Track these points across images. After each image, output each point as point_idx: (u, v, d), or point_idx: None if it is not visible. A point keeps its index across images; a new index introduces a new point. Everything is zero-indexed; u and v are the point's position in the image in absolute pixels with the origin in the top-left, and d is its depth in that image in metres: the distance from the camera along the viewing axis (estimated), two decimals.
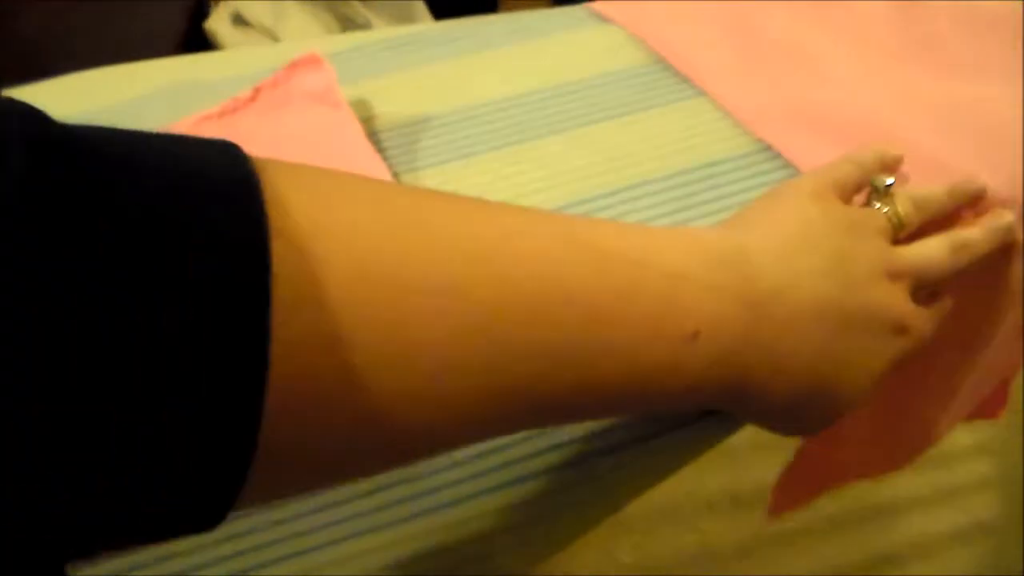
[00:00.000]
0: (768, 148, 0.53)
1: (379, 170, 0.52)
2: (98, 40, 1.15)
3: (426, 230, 0.28)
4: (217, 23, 1.28)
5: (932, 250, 0.42)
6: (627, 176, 0.52)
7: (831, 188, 0.41)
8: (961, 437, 0.49)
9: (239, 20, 1.28)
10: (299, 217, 0.25)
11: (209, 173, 0.24)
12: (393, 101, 0.59)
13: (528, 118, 0.56)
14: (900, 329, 0.38)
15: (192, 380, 0.22)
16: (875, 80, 0.55)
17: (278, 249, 0.23)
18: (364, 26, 1.28)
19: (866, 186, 0.43)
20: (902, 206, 0.42)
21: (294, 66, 0.60)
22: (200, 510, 0.24)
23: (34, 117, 0.22)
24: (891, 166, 0.45)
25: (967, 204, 0.46)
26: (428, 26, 0.67)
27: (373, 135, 0.56)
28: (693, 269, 0.33)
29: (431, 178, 0.53)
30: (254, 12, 1.27)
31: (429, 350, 0.26)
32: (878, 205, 0.42)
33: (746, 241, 0.36)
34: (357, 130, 0.55)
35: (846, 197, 0.42)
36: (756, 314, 0.34)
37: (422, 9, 1.33)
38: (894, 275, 0.39)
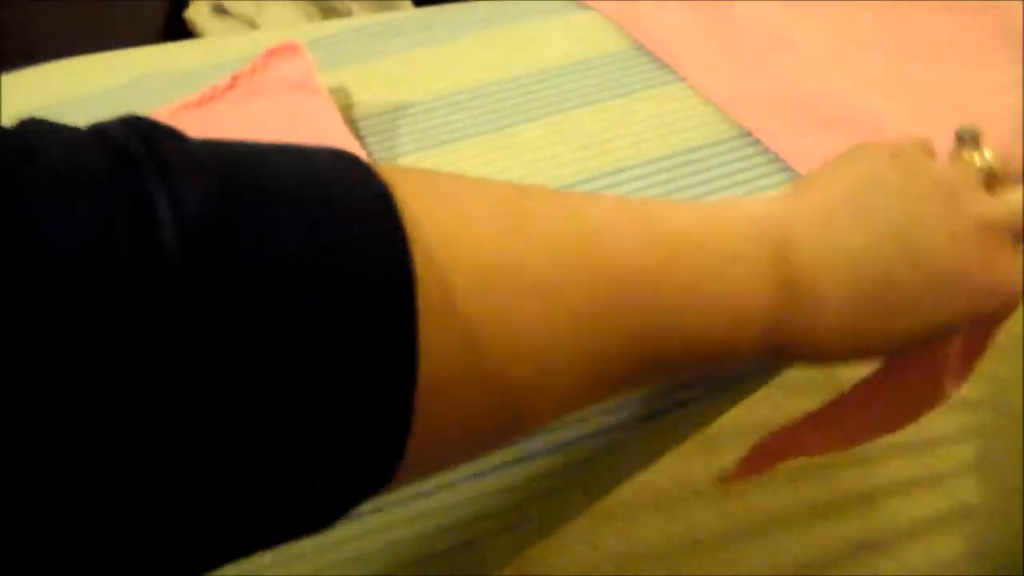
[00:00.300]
0: (748, 134, 0.53)
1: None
2: (78, 29, 1.14)
3: (530, 233, 0.29)
4: (197, 13, 1.27)
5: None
6: (607, 162, 0.52)
7: (921, 148, 0.40)
8: (944, 422, 0.49)
9: (220, 10, 1.27)
10: (428, 227, 0.26)
11: (349, 193, 0.25)
12: (372, 88, 0.59)
13: (507, 105, 0.56)
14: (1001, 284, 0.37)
15: (352, 395, 0.23)
16: (855, 67, 0.55)
17: (416, 261, 0.24)
18: (346, 15, 1.27)
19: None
20: (990, 153, 0.41)
21: (271, 54, 0.59)
22: (370, 475, 0.25)
23: (165, 140, 0.23)
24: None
25: None
26: (406, 14, 0.67)
27: (352, 122, 0.56)
28: (746, 252, 0.34)
29: (410, 165, 0.53)
30: (234, 2, 1.26)
31: (547, 345, 0.28)
32: (966, 156, 0.41)
33: (792, 213, 0.36)
34: (336, 117, 0.55)
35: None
36: (791, 298, 0.34)
37: None
38: (991, 226, 0.37)
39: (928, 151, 0.40)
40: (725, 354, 0.34)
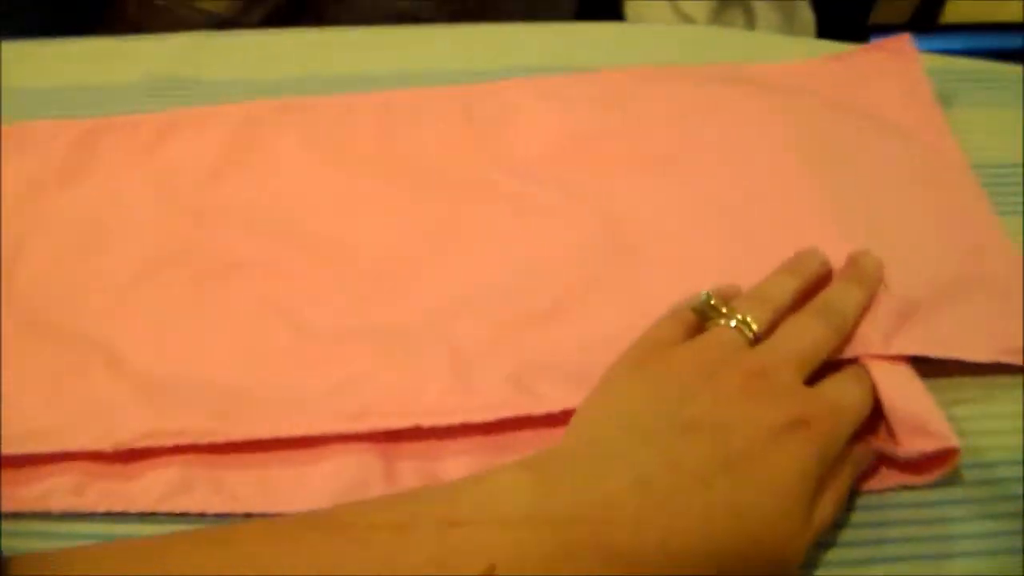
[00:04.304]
0: None
1: None
2: None
3: None
4: None
5: (798, 328, 0.39)
6: None
7: (654, 349, 0.39)
8: None
9: None
10: None
11: None
12: None
13: None
14: (793, 425, 0.34)
15: None
16: None
17: None
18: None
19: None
20: (740, 308, 0.39)
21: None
22: None
23: None
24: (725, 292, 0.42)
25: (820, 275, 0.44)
26: None
27: None
28: (471, 513, 0.32)
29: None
30: None
31: None
32: (714, 323, 0.39)
33: (541, 460, 0.34)
34: None
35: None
36: (558, 529, 0.31)
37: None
38: (759, 375, 0.36)
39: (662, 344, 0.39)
40: None
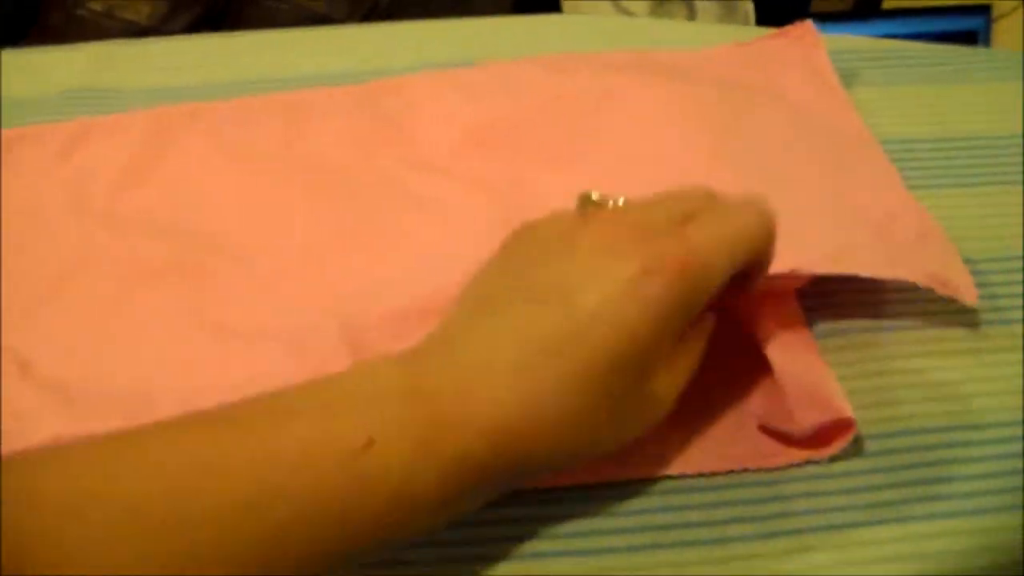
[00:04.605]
0: None
1: None
2: None
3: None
4: None
5: (673, 199, 0.37)
6: None
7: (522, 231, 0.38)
8: None
9: None
10: None
11: None
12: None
13: None
14: (647, 272, 0.32)
15: None
16: None
17: None
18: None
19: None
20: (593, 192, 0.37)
21: None
22: None
23: None
24: None
25: None
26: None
27: None
28: (347, 395, 0.32)
29: None
30: None
31: None
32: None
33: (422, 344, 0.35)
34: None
35: None
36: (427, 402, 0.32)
37: None
38: (615, 224, 0.35)
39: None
40: (358, 492, 0.30)
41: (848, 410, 0.38)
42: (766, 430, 0.41)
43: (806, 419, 0.39)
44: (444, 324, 0.36)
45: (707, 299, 0.35)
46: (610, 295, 0.32)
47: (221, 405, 0.32)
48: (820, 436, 0.39)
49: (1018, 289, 0.47)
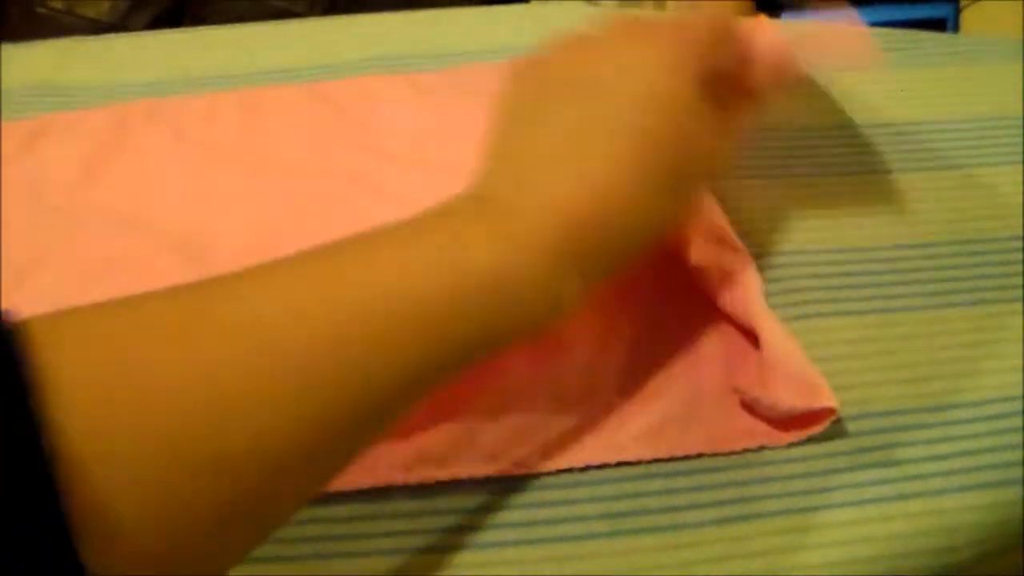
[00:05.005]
0: None
1: None
2: None
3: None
4: None
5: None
6: None
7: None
8: None
9: None
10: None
11: None
12: None
13: None
14: (667, 46, 0.35)
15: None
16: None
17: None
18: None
19: None
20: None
21: None
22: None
23: None
24: None
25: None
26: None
27: None
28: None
29: None
30: None
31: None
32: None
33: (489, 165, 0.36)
34: None
35: None
36: (499, 200, 0.34)
37: None
38: (632, 22, 0.38)
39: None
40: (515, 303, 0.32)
41: (833, 399, 0.38)
42: (747, 406, 0.41)
43: (792, 401, 0.39)
44: (491, 152, 0.37)
45: (727, 54, 0.38)
46: (642, 75, 0.35)
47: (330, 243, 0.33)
48: (796, 420, 0.40)
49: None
